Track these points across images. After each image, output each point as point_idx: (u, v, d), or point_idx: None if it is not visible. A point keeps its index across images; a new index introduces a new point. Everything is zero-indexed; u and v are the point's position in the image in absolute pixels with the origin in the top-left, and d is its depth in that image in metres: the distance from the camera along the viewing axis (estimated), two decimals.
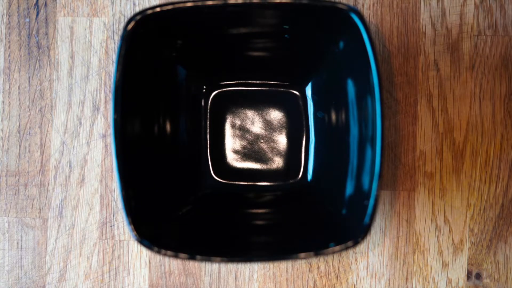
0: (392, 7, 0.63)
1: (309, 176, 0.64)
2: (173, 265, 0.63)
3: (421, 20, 0.63)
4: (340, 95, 0.61)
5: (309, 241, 0.60)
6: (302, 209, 0.62)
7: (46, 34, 0.64)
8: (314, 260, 0.63)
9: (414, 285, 0.63)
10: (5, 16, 0.64)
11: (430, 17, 0.63)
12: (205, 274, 0.63)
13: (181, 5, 0.56)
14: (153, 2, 0.63)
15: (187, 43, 0.61)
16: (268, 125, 0.65)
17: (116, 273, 0.63)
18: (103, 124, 0.64)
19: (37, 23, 0.64)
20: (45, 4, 0.64)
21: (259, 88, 0.66)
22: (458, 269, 0.63)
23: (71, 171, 0.63)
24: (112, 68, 0.63)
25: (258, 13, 0.58)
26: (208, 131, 0.65)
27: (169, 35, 0.59)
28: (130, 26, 0.55)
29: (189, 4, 0.56)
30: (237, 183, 0.65)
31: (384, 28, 0.63)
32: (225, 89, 0.66)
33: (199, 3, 0.56)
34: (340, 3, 0.56)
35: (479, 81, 0.63)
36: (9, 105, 0.64)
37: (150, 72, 0.60)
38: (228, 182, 0.65)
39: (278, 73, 0.65)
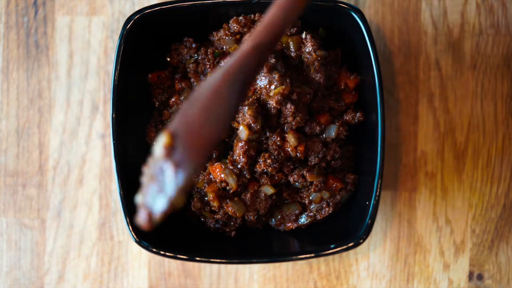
0: (393, 6, 0.63)
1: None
2: (173, 266, 0.63)
3: (422, 19, 0.63)
4: None
5: (310, 242, 0.59)
6: None
7: (45, 33, 0.63)
8: (314, 261, 0.63)
9: (415, 286, 0.63)
10: (3, 15, 0.63)
11: (431, 16, 0.63)
12: (204, 275, 0.63)
13: (180, 4, 0.56)
14: (152, 1, 0.63)
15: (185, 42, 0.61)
16: None
17: (115, 274, 0.63)
18: (102, 124, 0.63)
19: (36, 22, 0.63)
20: (44, 3, 0.63)
21: None
22: (460, 270, 0.63)
23: (69, 171, 0.63)
24: (111, 67, 0.63)
25: (259, 12, 0.59)
26: None
27: (168, 34, 0.59)
28: (129, 25, 0.55)
29: (188, 3, 0.56)
30: None
31: (385, 27, 0.63)
32: None
33: (199, 2, 0.56)
34: (341, 2, 0.55)
35: (481, 81, 0.63)
36: (8, 104, 0.63)
37: (149, 71, 0.59)
38: None
39: None
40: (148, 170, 0.41)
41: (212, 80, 0.42)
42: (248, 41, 0.43)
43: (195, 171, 0.40)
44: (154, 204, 0.39)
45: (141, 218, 0.39)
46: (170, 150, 0.39)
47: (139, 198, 0.40)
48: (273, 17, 0.43)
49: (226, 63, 0.43)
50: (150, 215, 0.39)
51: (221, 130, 0.41)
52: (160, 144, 0.39)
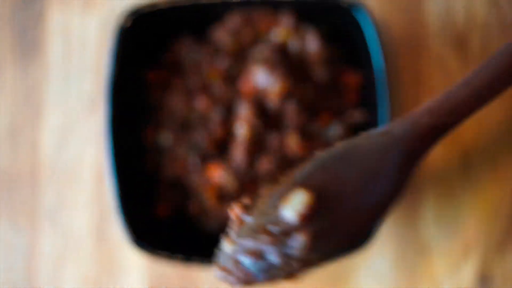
0: (397, 2, 0.63)
1: None
2: (171, 269, 0.62)
3: (426, 15, 0.62)
4: None
5: None
6: None
7: (40, 30, 0.63)
8: None
9: None
10: None
11: (436, 10, 0.63)
12: (203, 278, 0.62)
13: (178, 1, 0.56)
14: None
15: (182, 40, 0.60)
16: None
17: (113, 277, 0.62)
18: (97, 122, 0.63)
19: (30, 19, 0.63)
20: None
21: None
22: (466, 273, 0.62)
23: (65, 172, 0.63)
24: (107, 65, 0.63)
25: (260, 10, 0.58)
26: None
27: (166, 32, 0.59)
28: (124, 22, 0.55)
29: (186, 2, 0.56)
30: None
31: (387, 23, 0.62)
32: None
33: (197, 1, 0.56)
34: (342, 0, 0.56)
35: None
36: (2, 103, 0.63)
37: (146, 69, 0.59)
38: None
39: None
40: (261, 220, 0.31)
41: (375, 152, 0.32)
42: (428, 117, 0.34)
43: (326, 259, 0.31)
44: (260, 270, 0.30)
45: (236, 277, 0.31)
46: (311, 215, 0.30)
47: (228, 248, 0.32)
48: (474, 93, 0.34)
49: (394, 132, 0.33)
50: (248, 279, 0.31)
51: (371, 223, 0.32)
52: (296, 202, 0.30)
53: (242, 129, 0.56)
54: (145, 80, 0.59)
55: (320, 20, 0.59)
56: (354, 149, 0.33)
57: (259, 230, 0.30)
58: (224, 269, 0.32)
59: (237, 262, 0.31)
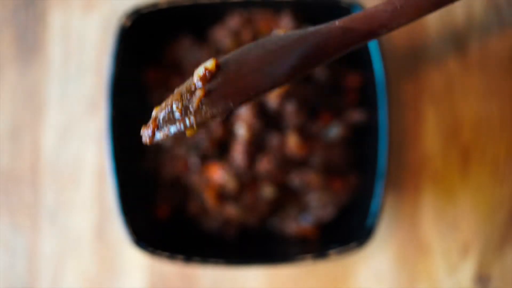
0: None
1: None
2: (171, 268, 0.62)
3: (427, 15, 0.62)
4: None
5: (312, 244, 0.59)
6: None
7: (40, 30, 0.63)
8: (316, 263, 0.62)
9: None
10: None
11: (436, 12, 0.62)
12: (203, 277, 0.62)
13: (178, 1, 0.56)
14: None
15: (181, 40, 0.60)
16: None
17: (113, 277, 0.62)
18: (98, 122, 0.62)
19: (30, 19, 0.63)
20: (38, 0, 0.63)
21: None
22: (465, 272, 0.62)
23: (65, 171, 0.62)
24: (107, 66, 0.62)
25: (259, 10, 0.58)
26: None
27: (166, 32, 0.59)
28: (124, 22, 0.55)
29: (186, 2, 0.56)
30: None
31: None
32: None
33: (197, 1, 0.56)
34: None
35: (487, 78, 0.62)
36: (2, 104, 0.63)
37: (146, 69, 0.59)
38: None
39: None
40: (178, 88, 0.39)
41: (286, 36, 0.39)
42: (342, 20, 0.40)
43: (221, 111, 0.37)
44: (165, 123, 0.37)
45: (145, 132, 0.38)
46: (209, 76, 0.37)
47: (154, 112, 0.39)
48: (388, 4, 0.39)
49: (310, 29, 0.40)
50: (154, 131, 0.38)
51: (267, 87, 0.38)
52: (202, 66, 0.37)
53: (242, 129, 0.56)
54: (145, 80, 0.59)
55: (320, 20, 0.59)
56: (272, 38, 0.39)
57: (178, 93, 0.38)
58: (146, 127, 0.39)
59: (154, 119, 0.38)
